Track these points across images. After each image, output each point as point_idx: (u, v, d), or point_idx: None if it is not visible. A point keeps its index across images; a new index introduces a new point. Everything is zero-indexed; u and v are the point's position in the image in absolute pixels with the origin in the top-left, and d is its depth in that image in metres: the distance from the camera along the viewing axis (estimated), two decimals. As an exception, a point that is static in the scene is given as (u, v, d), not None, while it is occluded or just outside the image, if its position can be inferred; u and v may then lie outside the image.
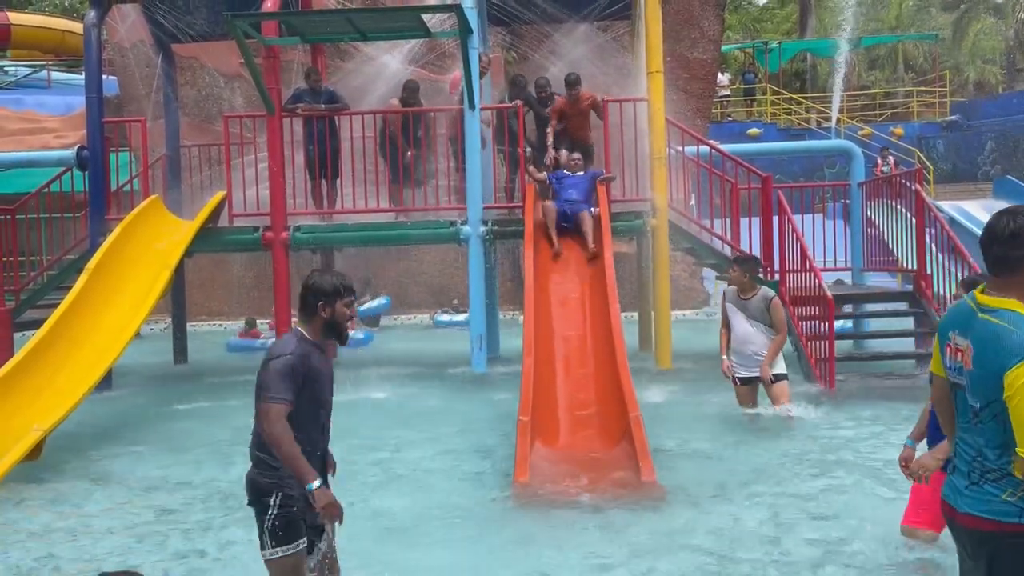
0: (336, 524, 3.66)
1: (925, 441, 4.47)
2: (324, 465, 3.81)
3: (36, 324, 9.62)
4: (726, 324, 7.97)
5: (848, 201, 13.71)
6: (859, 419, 8.00)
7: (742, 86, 30.15)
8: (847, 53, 26.81)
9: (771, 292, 7.95)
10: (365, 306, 17.29)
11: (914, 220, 10.73)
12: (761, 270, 9.43)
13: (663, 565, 4.69)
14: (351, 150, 11.38)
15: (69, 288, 9.62)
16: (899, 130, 26.74)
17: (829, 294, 9.64)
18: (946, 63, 32.95)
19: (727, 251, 11.13)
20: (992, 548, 2.83)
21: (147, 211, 10.82)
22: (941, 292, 10.24)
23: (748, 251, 10.40)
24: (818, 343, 9.79)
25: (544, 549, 4.96)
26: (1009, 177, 23.02)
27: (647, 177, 10.90)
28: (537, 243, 9.81)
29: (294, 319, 4.35)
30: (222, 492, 6.18)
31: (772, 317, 7.77)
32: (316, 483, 3.50)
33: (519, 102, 11.14)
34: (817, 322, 9.91)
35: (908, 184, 11.26)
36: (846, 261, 12.86)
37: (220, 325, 18.12)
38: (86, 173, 11.51)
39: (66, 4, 32.02)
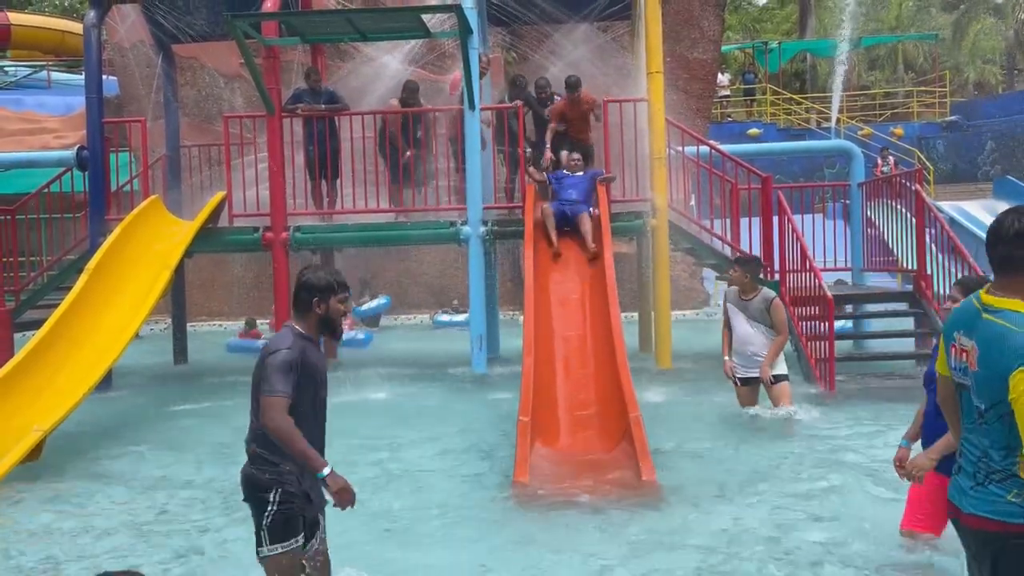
0: (349, 507, 3.64)
1: (920, 442, 4.48)
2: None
3: (36, 324, 9.62)
4: (727, 325, 7.97)
5: (848, 201, 13.71)
6: (859, 419, 8.00)
7: (742, 86, 30.16)
8: (847, 53, 26.81)
9: (772, 293, 7.94)
10: (365, 306, 17.30)
11: (914, 220, 10.73)
12: (762, 271, 9.43)
13: (663, 565, 4.69)
14: (351, 150, 11.39)
15: (69, 288, 9.62)
16: (899, 130, 26.76)
17: (829, 294, 9.63)
18: (946, 63, 32.95)
19: (727, 251, 11.13)
20: (997, 548, 2.83)
21: (147, 211, 10.82)
22: (941, 292, 10.24)
23: (748, 251, 10.41)
24: (818, 343, 9.79)
25: (544, 549, 4.96)
26: (1009, 177, 23.03)
27: (647, 177, 10.90)
28: (537, 243, 9.81)
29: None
30: (222, 492, 6.17)
31: (772, 318, 7.77)
32: (327, 469, 3.54)
33: (519, 102, 11.15)
34: (817, 322, 9.91)
35: (908, 184, 11.26)
36: (846, 261, 12.86)
37: (220, 325, 18.11)
38: (86, 173, 11.51)
39: (66, 4, 32.02)
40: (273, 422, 3.52)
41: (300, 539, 3.69)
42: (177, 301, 13.17)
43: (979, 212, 20.68)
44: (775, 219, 11.02)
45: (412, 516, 5.64)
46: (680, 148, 11.60)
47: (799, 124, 27.77)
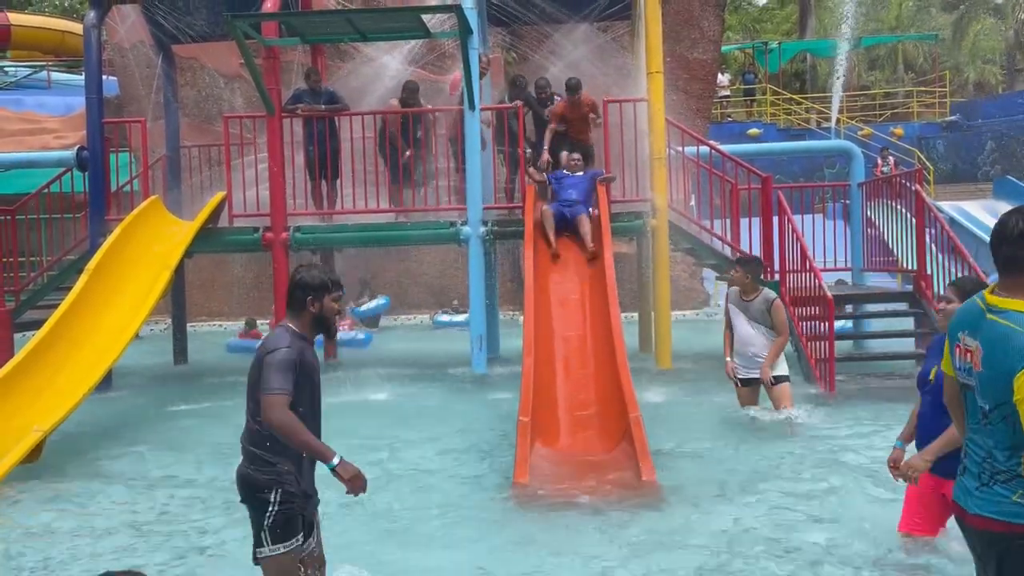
0: (362, 492, 3.64)
1: (914, 443, 4.48)
2: None
3: (36, 325, 9.62)
4: (729, 325, 7.96)
5: (848, 201, 13.71)
6: (859, 420, 8.00)
7: (742, 86, 30.16)
8: (847, 53, 26.81)
9: (772, 294, 7.93)
10: (364, 307, 17.30)
11: (914, 220, 10.73)
12: (763, 271, 9.43)
13: (663, 566, 4.69)
14: (351, 151, 11.39)
15: (69, 289, 9.62)
16: (899, 130, 26.76)
17: (829, 294, 9.63)
18: (946, 63, 32.96)
19: (727, 251, 11.14)
20: (1002, 549, 2.83)
21: (147, 212, 10.82)
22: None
23: (748, 251, 10.41)
24: (818, 343, 9.79)
25: (544, 550, 4.96)
26: (1009, 177, 23.04)
27: (647, 177, 10.90)
28: (537, 243, 9.81)
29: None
30: (223, 492, 6.17)
31: (773, 319, 7.76)
32: (337, 459, 3.55)
33: (519, 103, 11.15)
34: (817, 322, 9.91)
35: (908, 184, 11.26)
36: (846, 261, 12.85)
37: (220, 326, 18.11)
38: (86, 174, 11.51)
39: (66, 4, 32.00)
40: (277, 419, 3.51)
41: (300, 538, 3.69)
42: (177, 301, 13.18)
43: (979, 212, 20.70)
44: (775, 219, 11.02)
45: (412, 516, 5.65)
46: (680, 148, 11.60)
47: (799, 124, 27.77)
